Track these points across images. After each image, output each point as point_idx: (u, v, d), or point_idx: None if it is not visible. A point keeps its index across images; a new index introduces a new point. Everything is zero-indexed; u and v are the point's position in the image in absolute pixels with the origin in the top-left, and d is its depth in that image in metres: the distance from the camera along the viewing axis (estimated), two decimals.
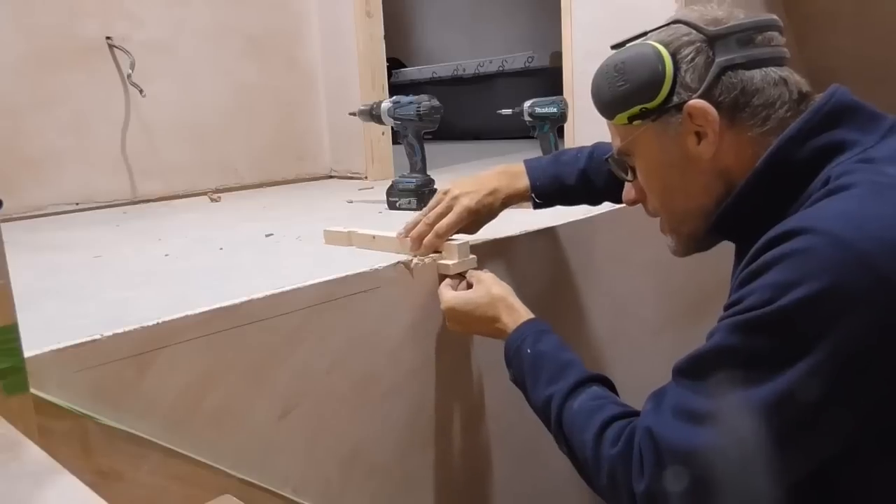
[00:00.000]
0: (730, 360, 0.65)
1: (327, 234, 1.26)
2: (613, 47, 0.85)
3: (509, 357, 0.95)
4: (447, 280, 1.06)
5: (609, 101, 0.82)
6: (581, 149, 1.14)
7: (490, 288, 0.99)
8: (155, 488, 0.80)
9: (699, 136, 0.77)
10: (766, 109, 0.75)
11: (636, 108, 0.79)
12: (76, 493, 0.50)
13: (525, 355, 0.90)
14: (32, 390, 0.67)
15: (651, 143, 0.81)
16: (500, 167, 1.14)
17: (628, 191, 0.90)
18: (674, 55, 0.77)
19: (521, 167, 1.13)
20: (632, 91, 0.79)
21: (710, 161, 0.78)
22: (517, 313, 0.96)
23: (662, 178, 0.83)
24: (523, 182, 1.11)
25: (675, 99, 0.77)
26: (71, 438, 0.74)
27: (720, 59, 0.75)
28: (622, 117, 0.81)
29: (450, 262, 1.07)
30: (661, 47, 0.77)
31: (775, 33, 0.79)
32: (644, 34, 0.83)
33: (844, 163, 0.70)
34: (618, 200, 1.00)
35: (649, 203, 0.88)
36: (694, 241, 0.86)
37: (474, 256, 1.09)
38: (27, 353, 0.67)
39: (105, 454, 0.77)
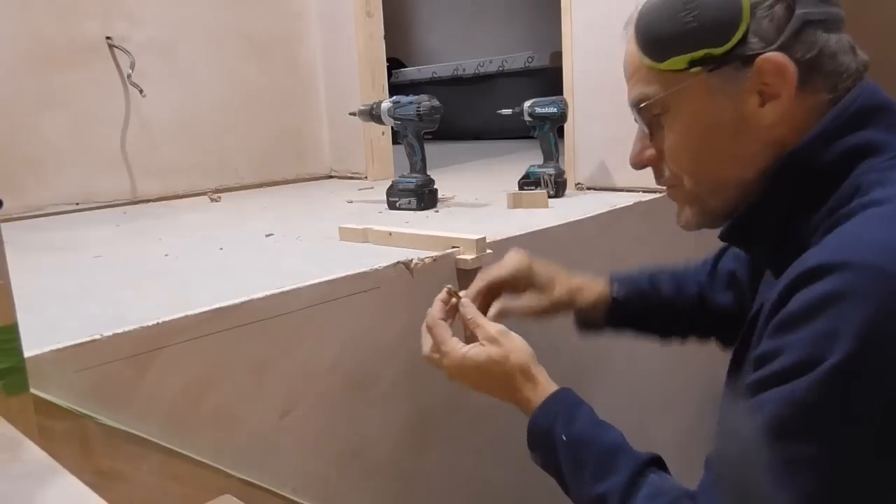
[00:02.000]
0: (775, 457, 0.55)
1: (342, 231, 1.27)
2: None
3: (536, 440, 0.81)
4: (440, 321, 0.89)
5: (668, 40, 0.69)
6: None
7: (509, 353, 0.82)
8: (155, 488, 0.80)
9: (762, 96, 0.67)
10: (835, 78, 0.67)
11: (700, 53, 0.67)
12: (76, 493, 0.50)
13: (560, 442, 0.76)
14: (32, 390, 0.67)
15: (700, 97, 0.69)
16: None
17: (639, 150, 0.77)
18: None
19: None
20: (700, 30, 0.66)
21: (767, 127, 0.67)
22: (540, 385, 0.81)
23: (704, 140, 0.71)
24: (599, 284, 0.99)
25: (747, 49, 0.66)
26: (71, 438, 0.74)
27: (802, 11, 0.65)
28: (680, 60, 0.68)
29: (468, 256, 1.07)
30: None
31: None
32: None
33: (876, 169, 0.63)
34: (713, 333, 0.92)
35: (668, 166, 0.75)
36: (716, 217, 0.75)
37: (491, 251, 1.09)
38: (27, 353, 0.67)
39: (105, 454, 0.77)
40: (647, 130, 0.75)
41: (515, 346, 0.83)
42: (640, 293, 1.00)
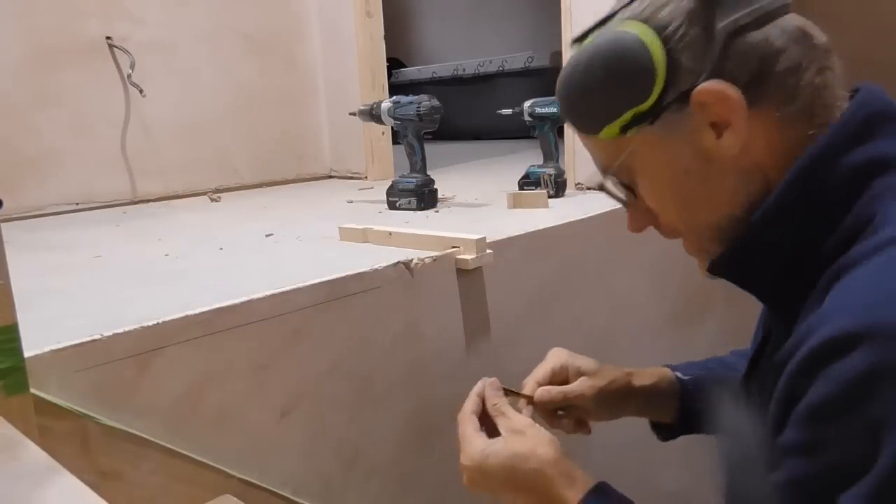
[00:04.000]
0: None
1: (342, 231, 1.27)
2: (575, 42, 0.67)
3: None
4: (469, 415, 0.77)
5: (589, 114, 0.65)
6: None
7: (535, 447, 0.71)
8: (155, 488, 0.80)
9: (715, 127, 0.60)
10: (793, 76, 0.58)
11: (627, 115, 0.62)
12: (76, 493, 0.50)
13: None
14: (32, 390, 0.67)
15: (655, 152, 0.63)
16: None
17: (633, 217, 0.71)
18: (659, 32, 0.59)
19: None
20: (616, 94, 0.62)
21: (735, 158, 0.60)
22: (578, 482, 0.70)
23: (678, 190, 0.65)
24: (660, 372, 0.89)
25: (675, 90, 0.59)
26: (71, 438, 0.74)
27: (722, 24, 0.58)
28: (610, 129, 0.63)
29: (468, 256, 1.07)
30: (639, 26, 0.60)
31: None
32: (610, 16, 0.64)
33: (892, 189, 0.55)
34: None
35: (663, 223, 0.69)
36: None
37: (491, 251, 1.09)
38: (27, 353, 0.67)
39: (105, 454, 0.77)
40: (624, 199, 0.69)
41: (542, 439, 0.72)
42: (706, 369, 0.88)
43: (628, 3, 0.62)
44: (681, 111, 0.60)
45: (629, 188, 0.68)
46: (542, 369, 0.87)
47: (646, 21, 0.60)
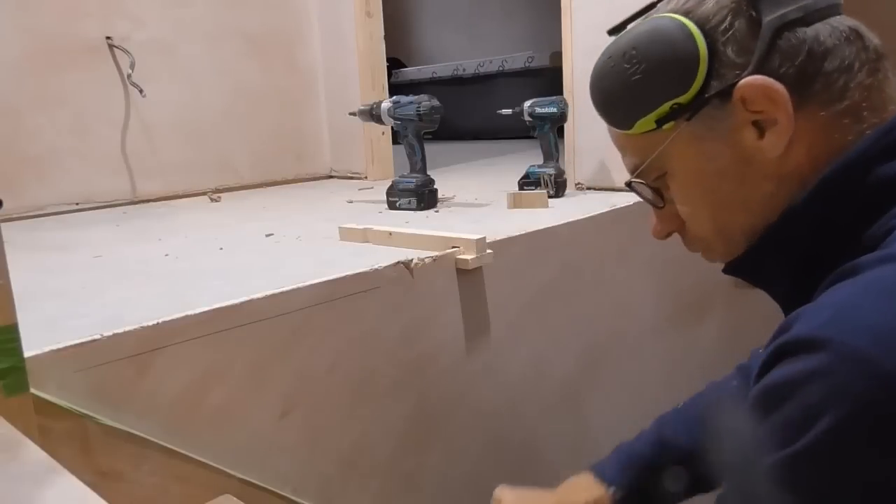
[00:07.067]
0: None
1: (342, 231, 1.27)
2: (611, 32, 0.65)
3: None
4: None
5: (624, 106, 0.62)
6: (639, 437, 0.89)
7: None
8: (155, 488, 0.80)
9: (758, 126, 0.57)
10: (842, 75, 0.55)
11: (665, 107, 0.59)
12: (76, 493, 0.50)
13: None
14: (32, 390, 0.67)
15: (691, 150, 0.60)
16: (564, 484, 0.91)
17: (659, 222, 0.68)
18: (702, 25, 0.57)
19: (588, 475, 0.89)
20: (655, 84, 0.59)
21: (777, 160, 0.57)
22: None
23: (713, 193, 0.61)
24: (593, 491, 0.86)
25: (717, 83, 0.57)
26: (71, 438, 0.74)
27: (770, 18, 0.55)
28: (646, 122, 0.60)
29: (468, 256, 1.08)
30: (681, 17, 0.58)
31: None
32: (651, 6, 0.62)
33: None
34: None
35: (690, 231, 0.66)
36: None
37: (491, 251, 1.09)
38: (27, 353, 0.67)
39: (105, 454, 0.77)
40: (653, 202, 0.66)
41: None
42: (645, 472, 0.85)
43: None
44: (722, 107, 0.57)
45: (658, 191, 0.65)
46: None
47: (688, 13, 0.58)
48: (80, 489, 0.50)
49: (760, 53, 0.56)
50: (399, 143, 1.71)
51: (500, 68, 3.80)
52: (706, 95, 0.58)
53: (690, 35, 0.57)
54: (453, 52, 4.66)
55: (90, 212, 1.88)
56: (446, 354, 1.13)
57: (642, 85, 0.59)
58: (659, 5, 0.61)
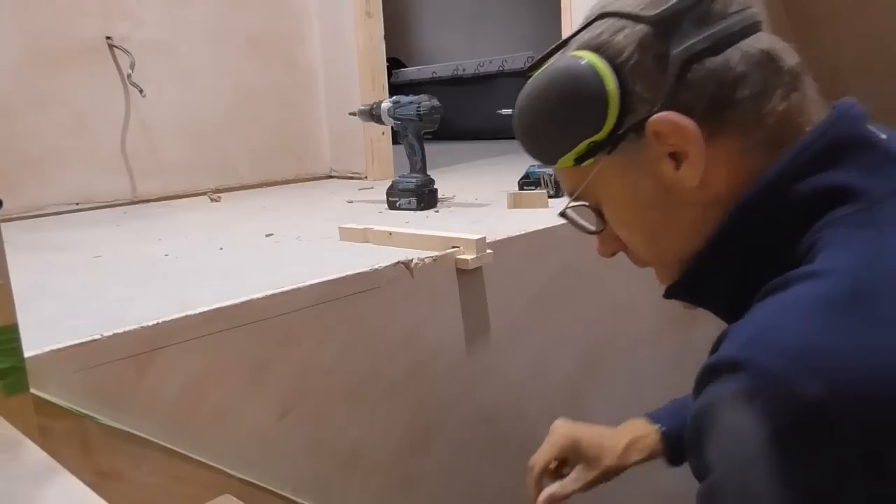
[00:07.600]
0: None
1: (342, 231, 1.27)
2: (529, 70, 0.66)
3: None
4: None
5: (544, 144, 0.63)
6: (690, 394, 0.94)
7: None
8: (155, 488, 0.80)
9: (676, 157, 0.57)
10: (756, 102, 0.56)
11: (582, 145, 0.60)
12: (76, 493, 0.50)
13: None
14: (32, 390, 0.67)
15: (615, 181, 0.61)
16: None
17: (602, 242, 0.69)
18: (612, 60, 0.57)
19: (641, 419, 0.93)
20: (569, 124, 0.60)
21: (696, 189, 0.57)
22: None
23: (642, 221, 0.63)
24: (644, 429, 0.91)
25: (631, 118, 0.57)
26: (71, 438, 0.74)
27: (676, 51, 0.55)
28: (567, 160, 0.62)
29: (468, 256, 1.08)
30: (591, 55, 0.58)
31: None
32: (564, 43, 0.63)
33: (840, 223, 0.52)
34: None
35: (632, 252, 0.68)
36: None
37: (491, 251, 1.09)
38: (27, 353, 0.67)
39: (105, 454, 0.77)
40: (591, 228, 0.68)
41: None
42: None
43: (582, 30, 0.60)
44: (638, 140, 0.58)
45: (596, 213, 0.66)
46: (548, 452, 0.90)
47: (598, 49, 0.58)
48: (80, 489, 0.50)
49: (668, 88, 0.55)
50: (399, 143, 1.71)
51: (500, 68, 3.80)
52: (620, 132, 0.58)
53: (598, 74, 0.57)
54: (453, 52, 4.66)
55: (90, 212, 1.88)
56: (446, 354, 1.13)
57: (558, 123, 0.60)
58: (574, 39, 0.61)
